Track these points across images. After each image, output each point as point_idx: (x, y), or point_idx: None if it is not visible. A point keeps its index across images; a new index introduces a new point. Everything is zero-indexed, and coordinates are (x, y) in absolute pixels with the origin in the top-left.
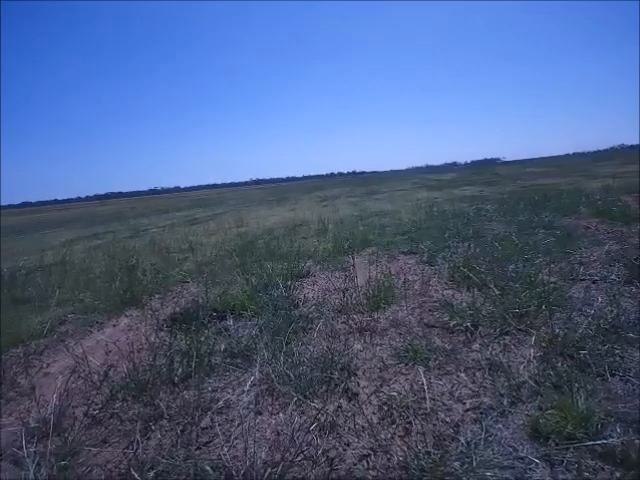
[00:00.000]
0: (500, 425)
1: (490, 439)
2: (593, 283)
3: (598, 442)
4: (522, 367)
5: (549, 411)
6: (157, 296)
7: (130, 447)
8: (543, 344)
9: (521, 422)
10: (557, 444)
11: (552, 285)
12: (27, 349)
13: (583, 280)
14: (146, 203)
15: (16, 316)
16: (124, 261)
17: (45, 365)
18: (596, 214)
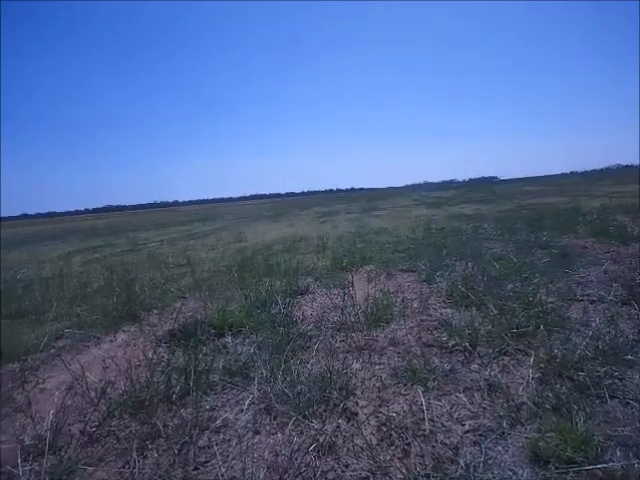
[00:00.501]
0: (499, 447)
1: (489, 462)
2: (591, 303)
3: (598, 466)
4: (521, 388)
5: (548, 434)
6: (155, 311)
7: (126, 466)
8: (541, 365)
9: (520, 445)
10: (557, 468)
11: (550, 305)
12: (24, 364)
13: (581, 300)
14: (145, 217)
15: (13, 330)
16: (122, 275)
17: (41, 381)
18: (593, 234)
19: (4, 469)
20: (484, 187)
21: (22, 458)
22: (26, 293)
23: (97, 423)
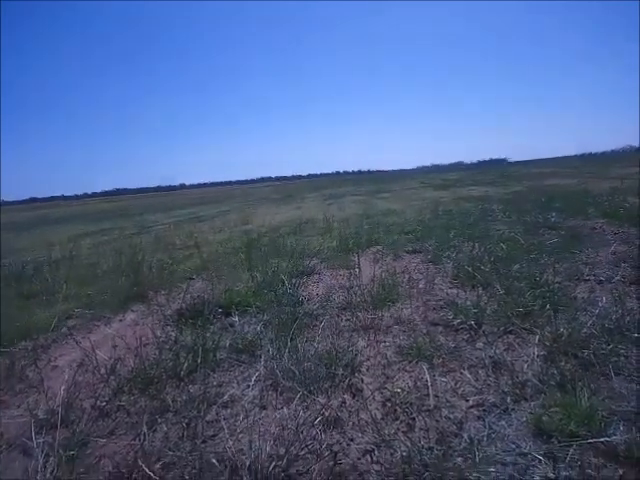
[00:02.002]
0: (503, 422)
1: (493, 436)
2: (598, 283)
3: (601, 439)
4: (526, 366)
5: (552, 409)
6: (163, 292)
7: (137, 439)
8: (547, 343)
9: (524, 419)
10: (560, 441)
11: (557, 285)
12: (36, 343)
13: (588, 280)
14: (152, 200)
15: (25, 310)
16: (130, 257)
17: (53, 358)
18: (603, 215)
19: (19, 441)
20: (493, 169)
21: (36, 431)
22: (37, 274)
23: (107, 398)
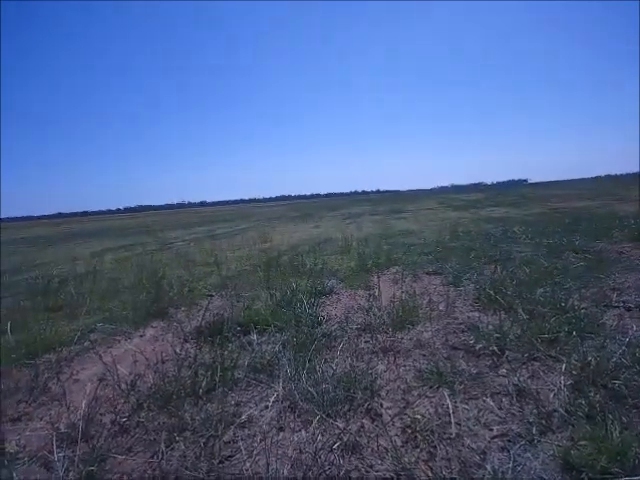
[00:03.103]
0: (529, 454)
1: (518, 468)
2: (627, 310)
3: (635, 478)
4: (552, 395)
5: (581, 442)
6: (183, 308)
7: (155, 457)
8: (574, 372)
9: (551, 452)
10: (590, 478)
11: (583, 311)
12: (59, 355)
13: (616, 307)
14: (173, 217)
15: (49, 323)
16: (151, 273)
17: (75, 372)
18: (630, 238)
19: (41, 454)
20: (513, 190)
21: (57, 444)
22: (61, 288)
23: (127, 414)
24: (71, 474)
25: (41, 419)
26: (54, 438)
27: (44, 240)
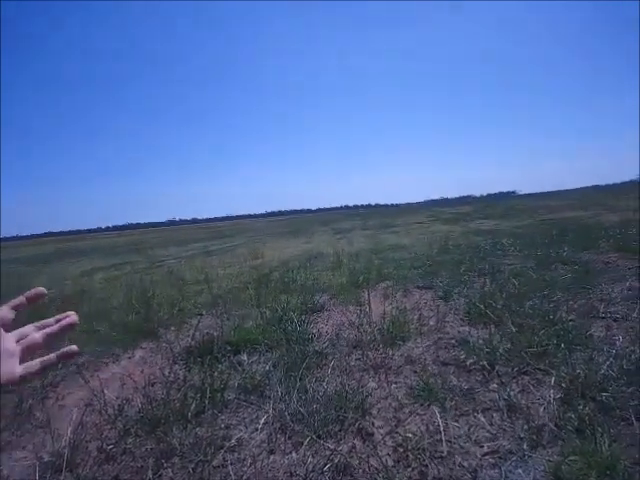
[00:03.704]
0: (520, 470)
1: None
2: (615, 321)
3: None
4: (542, 409)
5: (571, 457)
6: (172, 328)
7: None
8: (563, 385)
9: (542, 468)
10: None
11: (571, 323)
12: (44, 380)
13: (604, 318)
14: (164, 234)
15: None
16: (141, 293)
17: (61, 397)
18: (616, 249)
19: None
20: (502, 202)
21: (40, 474)
22: (48, 309)
23: (114, 441)
24: None
25: (24, 448)
26: (37, 468)
27: (39, 259)
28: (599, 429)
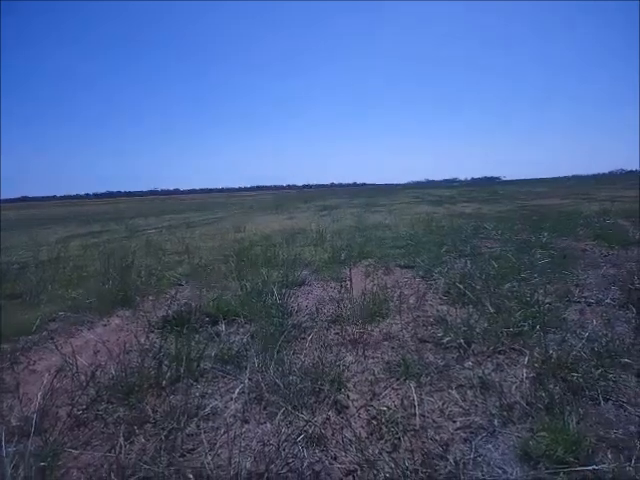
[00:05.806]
0: (490, 445)
1: (479, 459)
2: (588, 306)
3: (589, 468)
4: (514, 387)
5: (540, 433)
6: (150, 297)
7: (112, 451)
8: (536, 365)
9: (511, 443)
10: (547, 468)
11: (547, 306)
12: (15, 345)
13: (578, 302)
14: (145, 204)
15: (6, 311)
16: (119, 261)
17: (32, 362)
18: (593, 237)
19: None
20: (487, 187)
21: (7, 439)
22: (22, 275)
23: (85, 407)
24: (20, 470)
25: None
26: (3, 432)
27: (8, 225)
28: (568, 408)
